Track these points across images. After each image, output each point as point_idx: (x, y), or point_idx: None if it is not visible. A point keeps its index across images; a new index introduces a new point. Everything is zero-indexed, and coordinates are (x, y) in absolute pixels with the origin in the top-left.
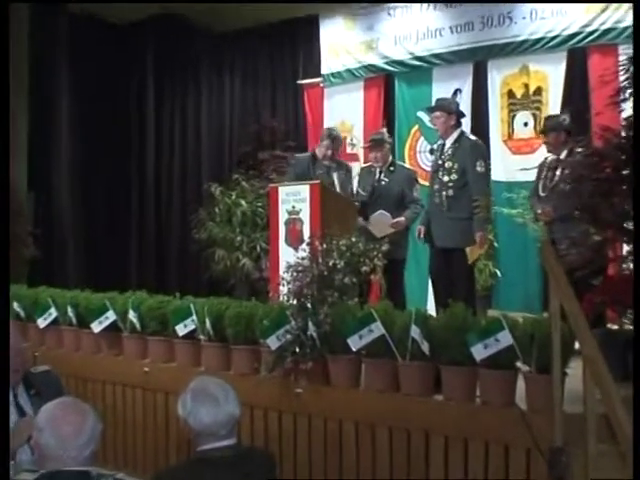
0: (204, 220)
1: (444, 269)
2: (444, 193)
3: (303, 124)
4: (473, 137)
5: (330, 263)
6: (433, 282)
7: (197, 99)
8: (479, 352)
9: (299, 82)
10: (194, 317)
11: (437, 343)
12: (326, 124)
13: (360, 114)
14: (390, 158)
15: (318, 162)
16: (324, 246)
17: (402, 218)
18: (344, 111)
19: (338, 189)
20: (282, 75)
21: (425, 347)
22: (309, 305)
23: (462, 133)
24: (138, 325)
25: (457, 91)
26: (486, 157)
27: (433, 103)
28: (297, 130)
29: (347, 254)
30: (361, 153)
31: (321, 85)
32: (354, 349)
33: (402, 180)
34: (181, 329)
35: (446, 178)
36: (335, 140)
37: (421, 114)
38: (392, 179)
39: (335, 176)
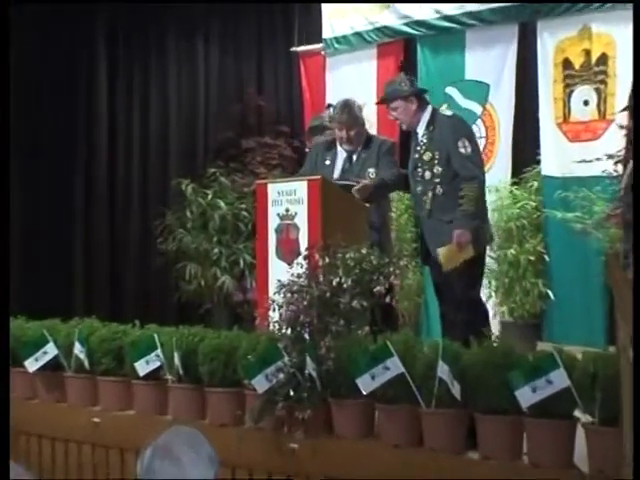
0: (172, 227)
1: (449, 288)
2: (430, 193)
3: (299, 103)
4: (449, 112)
5: (334, 282)
6: (439, 306)
7: (162, 72)
8: (526, 397)
9: (294, 49)
10: (159, 351)
11: (471, 385)
12: (329, 98)
13: (372, 90)
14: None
15: (334, 148)
16: (326, 260)
17: (366, 181)
18: (352, 86)
19: (367, 181)
20: (272, 41)
21: (456, 390)
22: (307, 336)
23: (434, 111)
24: (86, 362)
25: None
26: (470, 134)
27: (466, 75)
28: (291, 111)
29: (356, 270)
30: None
31: (322, 53)
32: (365, 392)
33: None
34: (142, 367)
35: (428, 174)
36: (350, 114)
37: (451, 90)
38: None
39: (357, 164)
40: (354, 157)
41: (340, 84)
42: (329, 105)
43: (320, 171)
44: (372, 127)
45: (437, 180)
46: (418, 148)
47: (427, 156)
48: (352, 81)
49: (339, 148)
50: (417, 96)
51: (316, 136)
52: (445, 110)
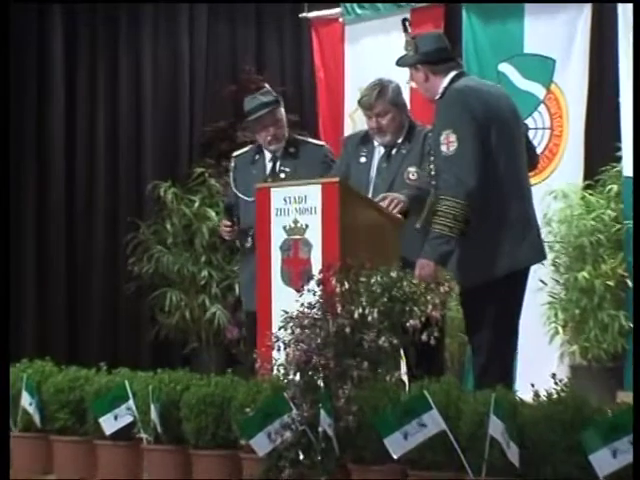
0: (147, 243)
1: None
2: (428, 199)
3: (310, 84)
4: (469, 81)
5: (356, 314)
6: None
7: (135, 46)
8: (604, 463)
9: (303, 16)
10: (131, 403)
11: (532, 447)
12: (350, 82)
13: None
14: (286, 134)
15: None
16: (346, 286)
17: (398, 195)
18: (378, 62)
19: (400, 195)
20: (275, 4)
21: (512, 453)
22: (321, 383)
23: (451, 83)
24: (37, 418)
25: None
26: (459, 122)
27: (526, 48)
28: (300, 94)
29: (384, 299)
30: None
31: (340, 20)
32: (395, 455)
33: (312, 166)
34: (109, 423)
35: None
36: (381, 95)
37: (506, 67)
38: (296, 167)
39: (396, 161)
40: (393, 152)
41: (362, 60)
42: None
43: (354, 171)
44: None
45: (433, 183)
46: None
47: (427, 149)
48: (378, 56)
49: (375, 142)
50: (429, 63)
51: (262, 122)
52: (461, 81)
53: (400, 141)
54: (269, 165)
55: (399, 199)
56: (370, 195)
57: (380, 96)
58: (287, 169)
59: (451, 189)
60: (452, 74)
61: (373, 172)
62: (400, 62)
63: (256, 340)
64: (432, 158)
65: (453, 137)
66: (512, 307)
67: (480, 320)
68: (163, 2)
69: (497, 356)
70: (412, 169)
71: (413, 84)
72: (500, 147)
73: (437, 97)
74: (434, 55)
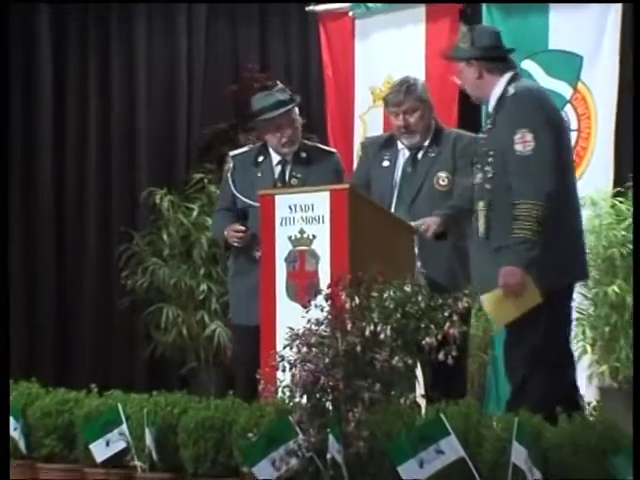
0: (142, 255)
1: (517, 341)
2: (483, 206)
3: (318, 83)
4: (527, 83)
5: (367, 331)
6: (504, 366)
7: (128, 43)
8: None
9: (310, 9)
10: (124, 428)
11: (558, 475)
12: (360, 81)
13: (420, 64)
14: (300, 138)
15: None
16: (356, 301)
17: (430, 220)
18: (391, 59)
19: (432, 219)
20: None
21: None
22: (329, 406)
23: (509, 83)
24: (22, 443)
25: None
26: (535, 121)
27: (550, 44)
28: (307, 94)
29: (397, 315)
30: None
31: (350, 14)
32: None
33: (324, 174)
34: (101, 450)
35: (480, 177)
36: (410, 92)
37: (529, 65)
38: (308, 174)
39: (423, 165)
40: (419, 156)
41: (374, 56)
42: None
43: (375, 176)
44: None
45: (488, 187)
46: (480, 137)
47: (482, 150)
48: (391, 52)
49: (399, 144)
50: (485, 59)
51: (277, 123)
52: (523, 81)
53: (427, 143)
54: (277, 169)
55: (437, 223)
56: (394, 201)
57: (409, 92)
58: (299, 175)
59: (530, 191)
60: (509, 74)
61: (398, 176)
62: (453, 55)
63: (245, 358)
64: (490, 160)
65: (530, 136)
66: (566, 322)
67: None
68: (162, 5)
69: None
70: (442, 174)
71: (458, 81)
72: (565, 153)
73: (495, 99)
74: (492, 51)
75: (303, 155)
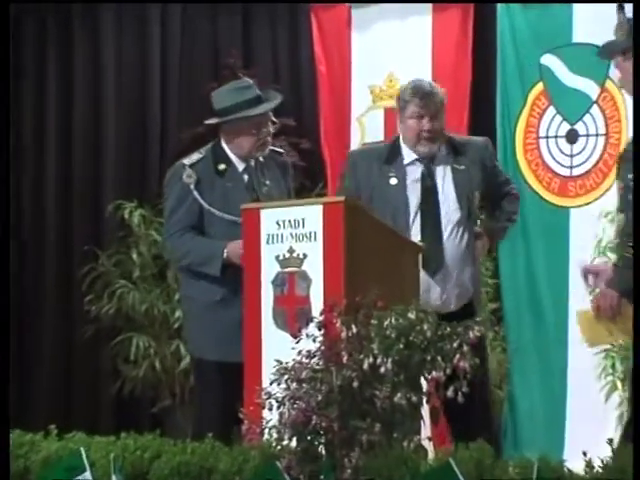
0: (109, 277)
1: None
2: (623, 217)
3: (310, 80)
4: None
5: (366, 364)
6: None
7: (93, 36)
8: None
9: None
10: (88, 475)
11: None
12: (357, 78)
13: (426, 60)
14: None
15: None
16: (353, 330)
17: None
18: (393, 54)
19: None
20: None
21: None
22: (322, 449)
23: None
24: None
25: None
26: None
27: (575, 36)
28: (298, 93)
29: (400, 345)
30: None
31: (347, 5)
32: None
33: (279, 180)
34: None
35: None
36: (432, 95)
37: (550, 60)
38: (271, 180)
39: (449, 181)
40: (438, 168)
41: (374, 51)
42: None
43: (379, 196)
44: None
45: (630, 198)
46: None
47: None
48: (393, 46)
49: (407, 155)
50: None
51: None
52: None
53: (444, 152)
54: (245, 177)
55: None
56: (417, 224)
57: (434, 93)
58: (267, 182)
59: None
60: None
61: (415, 194)
62: (610, 47)
63: (216, 399)
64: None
65: None
66: None
67: None
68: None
69: None
70: (477, 194)
71: (615, 76)
72: None
73: None
74: None
75: (260, 159)
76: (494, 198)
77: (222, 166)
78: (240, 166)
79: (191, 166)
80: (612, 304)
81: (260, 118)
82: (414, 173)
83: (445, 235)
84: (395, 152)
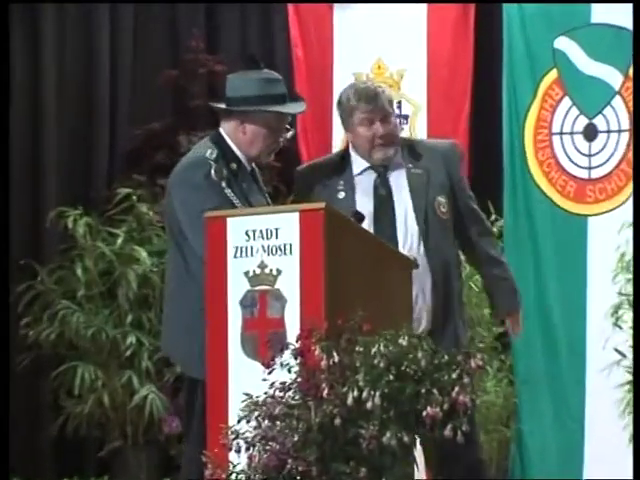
0: (49, 296)
1: None
2: None
3: (284, 66)
4: None
5: (350, 398)
6: None
7: (32, 26)
8: None
9: None
10: None
11: None
12: (340, 64)
13: (420, 44)
14: None
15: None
16: (335, 358)
17: None
18: (381, 37)
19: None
20: None
21: None
22: None
23: None
24: None
25: None
26: None
27: (593, 16)
28: None
29: (389, 377)
30: (422, 134)
31: None
32: None
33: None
34: None
35: None
36: (379, 103)
37: (566, 44)
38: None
39: (398, 186)
40: (392, 176)
41: (360, 33)
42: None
43: None
44: (421, 112)
45: None
46: None
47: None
48: (381, 28)
49: (358, 165)
50: None
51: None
52: None
53: (399, 158)
54: (251, 179)
55: None
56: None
57: (380, 94)
58: (263, 188)
59: None
60: None
61: (365, 208)
62: None
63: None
64: None
65: None
66: None
67: None
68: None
69: None
70: (442, 199)
71: None
72: None
73: None
74: None
75: (253, 165)
76: (460, 225)
77: (234, 165)
78: (248, 167)
79: (215, 161)
80: None
81: (284, 119)
82: (365, 183)
83: (404, 245)
84: (344, 163)
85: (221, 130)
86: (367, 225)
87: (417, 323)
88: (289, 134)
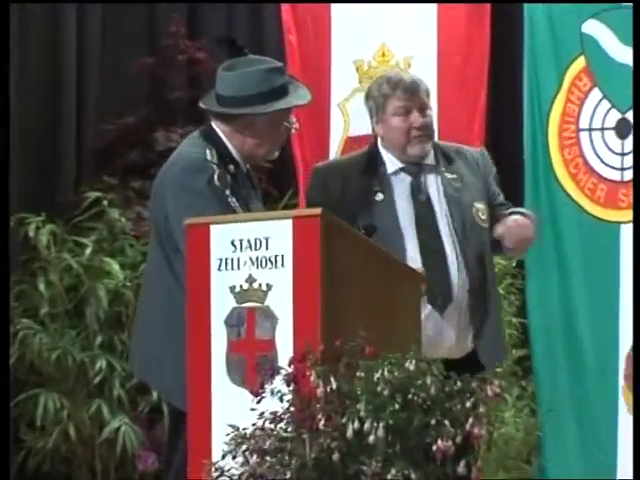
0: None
1: None
2: None
3: (276, 54)
4: None
5: (349, 430)
6: None
7: None
8: None
9: None
10: None
11: None
12: (339, 52)
13: (430, 28)
14: None
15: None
16: (332, 385)
17: None
18: (385, 20)
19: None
20: None
21: None
22: None
23: None
24: None
25: None
26: None
27: None
28: None
29: (395, 406)
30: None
31: None
32: None
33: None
34: None
35: None
36: (417, 92)
37: (594, 27)
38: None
39: (437, 192)
40: (429, 178)
41: (361, 16)
42: None
43: (365, 218)
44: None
45: None
46: None
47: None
48: (384, 11)
49: (391, 163)
50: None
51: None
52: None
53: (431, 161)
54: (249, 184)
55: None
56: (416, 247)
57: (418, 82)
58: (259, 193)
59: None
60: None
61: (404, 214)
62: None
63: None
64: None
65: None
66: None
67: None
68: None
69: None
70: (480, 205)
71: None
72: None
73: None
74: None
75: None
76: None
77: (232, 167)
78: (244, 168)
79: (217, 165)
80: None
81: (290, 109)
82: (401, 185)
83: (450, 259)
84: (374, 161)
85: (214, 126)
86: (411, 235)
87: (461, 347)
88: (295, 124)
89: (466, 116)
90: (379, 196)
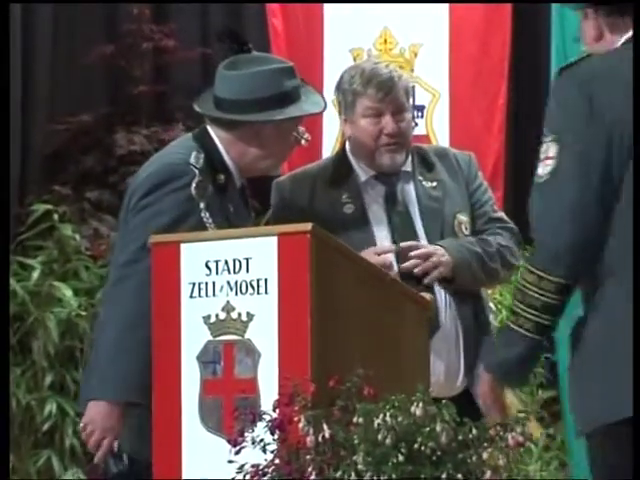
0: None
1: None
2: None
3: (258, 41)
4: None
5: None
6: None
7: None
8: None
9: None
10: None
11: None
12: (333, 40)
13: (440, 11)
14: None
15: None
16: (325, 433)
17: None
18: (389, 4)
19: None
20: None
21: None
22: None
23: None
24: None
25: None
26: None
27: None
28: None
29: (399, 458)
30: (442, 131)
31: None
32: None
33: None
34: None
35: None
36: (393, 91)
37: None
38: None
39: (415, 204)
40: (407, 187)
41: (357, 6)
42: None
43: (334, 234)
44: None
45: None
46: None
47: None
48: (385, 8)
49: (362, 172)
50: (602, 3)
51: None
52: None
53: (409, 168)
54: (240, 199)
55: (439, 258)
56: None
57: (397, 80)
58: (255, 205)
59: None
60: (629, 34)
61: (379, 228)
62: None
63: None
64: None
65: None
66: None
67: None
68: None
69: None
70: (464, 217)
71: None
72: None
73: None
74: None
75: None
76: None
77: (222, 177)
78: (238, 182)
79: (200, 171)
80: (486, 390)
81: (299, 121)
82: (374, 195)
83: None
84: (343, 169)
85: (209, 129)
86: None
87: (450, 382)
88: (305, 135)
89: (483, 116)
90: (349, 208)
